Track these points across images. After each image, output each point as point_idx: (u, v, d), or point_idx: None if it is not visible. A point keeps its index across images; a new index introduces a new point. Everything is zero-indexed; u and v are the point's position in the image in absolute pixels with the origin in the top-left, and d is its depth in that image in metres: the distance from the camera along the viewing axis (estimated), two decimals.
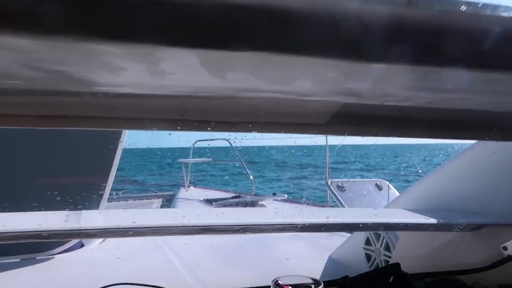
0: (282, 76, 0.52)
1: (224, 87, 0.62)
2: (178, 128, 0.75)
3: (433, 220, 1.05)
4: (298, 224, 0.91)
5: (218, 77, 0.51)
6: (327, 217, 0.93)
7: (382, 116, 0.71)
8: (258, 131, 0.71)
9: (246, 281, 1.53)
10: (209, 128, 0.76)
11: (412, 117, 0.71)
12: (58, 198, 1.74)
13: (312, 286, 0.82)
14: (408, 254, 1.38)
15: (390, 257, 1.53)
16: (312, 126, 0.71)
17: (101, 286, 1.17)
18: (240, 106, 0.67)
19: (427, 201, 1.47)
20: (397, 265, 1.09)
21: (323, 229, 0.92)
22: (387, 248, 1.58)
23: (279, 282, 0.83)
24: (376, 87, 0.53)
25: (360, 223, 1.00)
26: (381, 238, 1.62)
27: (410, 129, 0.75)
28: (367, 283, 1.08)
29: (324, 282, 1.15)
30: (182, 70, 0.44)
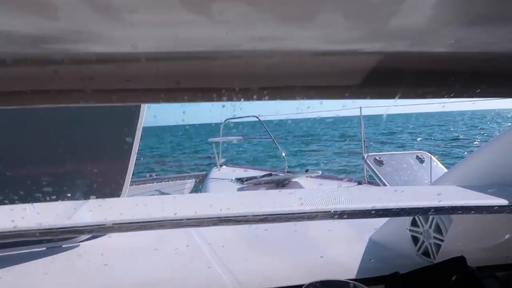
0: (302, 13, 0.41)
1: (229, 39, 0.50)
2: (172, 99, 0.60)
3: (503, 201, 0.85)
4: (339, 211, 0.75)
5: (219, 26, 0.42)
6: (374, 201, 0.76)
7: (430, 70, 0.60)
8: (275, 98, 0.61)
9: (277, 267, 1.40)
10: (214, 96, 0.60)
11: (469, 69, 0.54)
12: (75, 187, 1.66)
13: None
14: (467, 241, 1.17)
15: (442, 240, 1.33)
16: (341, 89, 0.61)
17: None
18: (251, 67, 0.57)
19: (487, 177, 1.25)
20: (461, 259, 0.90)
21: (370, 215, 0.76)
22: (438, 230, 1.38)
23: None
24: (428, 25, 0.43)
25: (416, 208, 0.82)
26: (430, 219, 1.42)
27: (464, 86, 0.58)
28: (423, 281, 0.90)
29: (368, 279, 1.00)
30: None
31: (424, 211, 0.84)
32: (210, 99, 0.64)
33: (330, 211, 0.75)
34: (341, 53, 0.59)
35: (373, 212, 0.75)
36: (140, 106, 1.72)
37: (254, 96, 0.62)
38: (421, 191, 1.19)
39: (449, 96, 0.57)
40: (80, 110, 1.68)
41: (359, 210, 0.76)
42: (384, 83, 0.62)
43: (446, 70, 0.56)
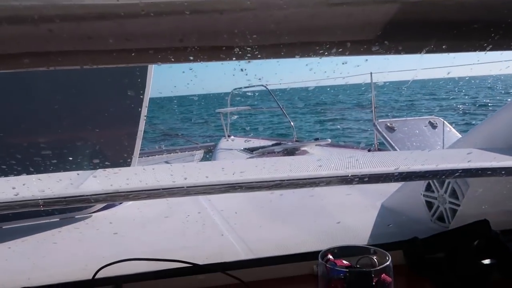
0: None
1: None
2: (176, 59, 0.56)
3: None
4: (359, 175, 0.72)
5: None
6: (396, 164, 0.73)
7: (459, 20, 0.54)
8: (287, 56, 0.57)
9: (290, 234, 1.39)
10: (221, 55, 0.56)
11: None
12: (83, 157, 1.65)
13: (374, 259, 0.63)
14: (487, 204, 1.13)
15: (458, 205, 1.30)
16: (359, 44, 0.57)
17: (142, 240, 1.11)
18: (262, 21, 0.52)
19: (506, 139, 1.20)
20: (484, 223, 0.86)
21: (393, 178, 0.73)
22: (454, 195, 1.35)
23: (330, 258, 0.64)
24: None
25: (443, 170, 0.78)
26: (446, 183, 1.39)
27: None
28: (444, 246, 0.88)
29: (385, 244, 0.98)
30: None
31: (451, 173, 0.80)
32: (216, 58, 0.59)
33: (348, 176, 0.72)
34: (358, 3, 0.54)
35: (396, 175, 0.72)
36: (146, 72, 1.67)
37: (265, 54, 0.58)
38: (441, 154, 1.14)
39: (484, 49, 0.52)
40: (85, 76, 1.64)
41: (381, 174, 0.72)
42: (407, 36, 0.57)
43: (481, 20, 0.51)
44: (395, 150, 3.08)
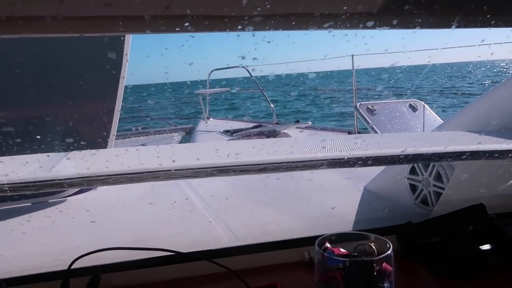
0: None
1: None
2: (160, 29, 0.49)
3: None
4: (349, 158, 0.68)
5: None
6: (396, 147, 0.69)
7: None
8: (285, 28, 0.52)
9: (272, 217, 1.36)
10: (211, 25, 0.50)
11: None
12: (56, 138, 1.55)
13: (373, 246, 0.60)
14: (476, 187, 1.12)
15: (443, 189, 1.29)
16: (355, 17, 0.52)
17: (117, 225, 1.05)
18: None
19: (494, 121, 1.19)
20: (480, 207, 0.85)
21: (398, 161, 0.69)
22: (438, 178, 1.34)
23: (327, 246, 0.60)
24: None
25: (432, 153, 0.75)
26: (430, 166, 1.38)
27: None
28: (439, 231, 0.86)
29: (378, 229, 0.95)
30: None
31: (459, 155, 0.77)
32: (206, 28, 0.53)
33: (344, 158, 0.68)
34: None
35: (402, 157, 0.68)
36: (123, 47, 1.57)
37: (272, 23, 0.52)
38: (451, 135, 1.12)
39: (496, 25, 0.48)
40: (57, 47, 1.53)
41: (386, 156, 0.69)
42: (426, 8, 0.51)
43: None
44: (376, 132, 3.09)
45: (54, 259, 0.81)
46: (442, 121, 2.94)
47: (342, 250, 0.62)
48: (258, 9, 0.46)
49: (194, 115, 7.76)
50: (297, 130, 4.61)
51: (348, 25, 0.54)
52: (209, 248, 0.87)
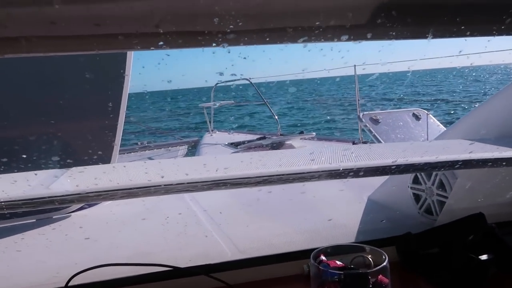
0: None
1: None
2: (151, 45, 0.51)
3: None
4: (342, 170, 0.68)
5: None
6: (391, 157, 0.69)
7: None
8: (270, 42, 0.53)
9: (279, 232, 1.35)
10: (200, 41, 0.51)
11: None
12: (63, 154, 1.56)
13: (369, 258, 0.59)
14: (478, 196, 1.11)
15: (446, 197, 1.28)
16: (344, 29, 0.52)
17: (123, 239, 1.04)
18: (243, 4, 0.49)
19: (493, 130, 1.18)
20: (479, 216, 0.84)
21: (390, 171, 0.69)
22: (441, 187, 1.33)
23: (323, 259, 0.60)
24: None
25: (434, 163, 0.74)
26: (433, 175, 1.37)
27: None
28: (438, 242, 0.84)
29: (377, 241, 0.94)
30: None
31: (451, 165, 0.77)
32: (194, 44, 0.54)
33: (340, 169, 0.68)
34: None
35: (394, 167, 0.68)
36: (125, 62, 1.59)
37: (246, 40, 0.53)
38: (442, 145, 1.11)
39: (492, 34, 0.48)
40: (61, 65, 1.55)
41: (377, 167, 0.69)
42: (400, 20, 0.52)
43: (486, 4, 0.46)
44: (380, 142, 3.08)
45: (52, 276, 0.81)
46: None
47: (338, 262, 0.62)
48: (231, 26, 0.47)
49: (198, 128, 7.80)
50: (301, 141, 4.60)
51: (322, 39, 0.54)
52: (207, 263, 0.86)
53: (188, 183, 0.64)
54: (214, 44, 0.53)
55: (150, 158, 6.05)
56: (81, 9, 0.48)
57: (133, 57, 1.66)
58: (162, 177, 0.66)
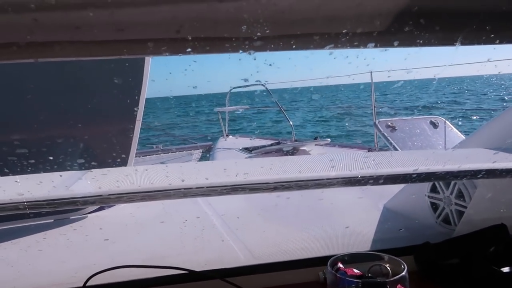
0: None
1: None
2: (172, 51, 0.51)
3: None
4: (362, 177, 0.67)
5: None
6: (411, 165, 0.68)
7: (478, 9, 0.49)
8: (290, 48, 0.53)
9: (290, 236, 1.35)
10: (220, 47, 0.51)
11: None
12: (78, 157, 1.59)
13: (387, 267, 0.58)
14: (498, 207, 1.08)
15: (465, 207, 1.25)
16: (371, 37, 0.52)
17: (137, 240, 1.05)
18: (263, 11, 0.49)
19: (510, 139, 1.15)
20: (501, 227, 0.82)
21: (411, 179, 0.68)
22: (460, 196, 1.30)
23: (340, 266, 0.59)
24: None
25: (446, 172, 0.73)
26: (451, 184, 1.34)
27: None
28: (458, 252, 0.83)
29: (395, 250, 0.93)
30: None
31: (474, 174, 0.75)
32: (215, 50, 0.55)
33: (357, 177, 0.67)
34: None
35: (414, 176, 0.67)
36: (143, 65, 1.62)
37: (267, 46, 0.53)
38: (465, 153, 1.09)
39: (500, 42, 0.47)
40: (81, 71, 1.59)
41: (398, 175, 0.68)
42: (420, 26, 0.52)
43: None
44: (397, 149, 3.04)
45: (70, 276, 0.82)
46: (464, 137, 2.88)
47: (355, 270, 0.61)
48: (258, 33, 0.47)
49: (213, 132, 7.84)
50: (316, 147, 4.58)
51: (348, 46, 0.54)
52: (222, 267, 0.86)
53: (207, 187, 0.65)
54: (240, 51, 0.53)
55: (162, 162, 6.10)
56: (105, 14, 0.49)
57: (151, 63, 1.70)
58: (183, 180, 0.67)
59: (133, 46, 0.55)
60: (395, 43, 0.49)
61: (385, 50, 0.49)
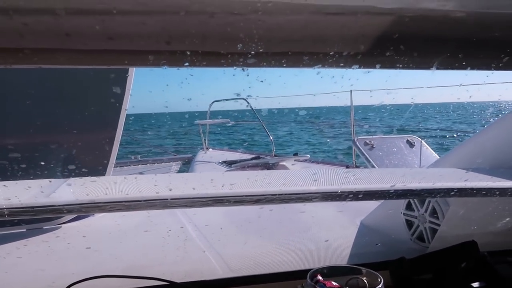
0: None
1: None
2: (161, 62, 0.52)
3: (509, 183, 0.81)
4: (354, 191, 0.69)
5: None
6: (389, 182, 0.71)
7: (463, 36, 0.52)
8: (276, 65, 0.55)
9: (266, 249, 1.35)
10: (204, 62, 0.53)
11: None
12: (56, 165, 1.56)
13: (364, 280, 0.60)
14: (470, 225, 1.13)
15: (438, 225, 1.30)
16: (356, 59, 0.55)
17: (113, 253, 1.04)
18: (252, 27, 0.50)
19: (491, 159, 1.21)
20: (472, 244, 0.85)
21: (388, 195, 0.71)
22: (434, 214, 1.35)
23: (319, 279, 0.61)
24: None
25: (439, 189, 0.76)
26: (426, 202, 1.38)
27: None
28: (431, 268, 0.86)
29: (370, 264, 0.95)
30: None
31: (447, 192, 0.79)
32: (203, 63, 0.56)
33: (337, 192, 0.69)
34: (353, 11, 0.52)
35: (392, 192, 0.70)
36: (126, 77, 1.62)
37: (253, 62, 0.55)
38: (438, 172, 1.14)
39: (491, 68, 0.50)
40: (62, 78, 1.57)
41: (376, 191, 0.70)
42: (400, 49, 0.55)
43: (491, 38, 0.49)
44: (374, 167, 3.11)
45: (48, 285, 0.80)
46: (439, 157, 2.97)
47: (334, 283, 0.62)
48: (252, 52, 0.49)
49: (193, 145, 7.80)
50: (296, 162, 4.62)
51: (334, 66, 0.57)
52: (202, 279, 0.86)
53: (194, 197, 0.65)
54: (225, 65, 0.55)
55: (141, 173, 6.01)
56: (95, 21, 0.49)
57: (149, 75, 1.70)
58: (170, 190, 0.67)
59: (123, 56, 0.55)
60: (377, 66, 0.52)
61: (368, 72, 0.52)
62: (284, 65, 0.54)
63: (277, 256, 1.22)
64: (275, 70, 0.55)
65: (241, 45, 0.53)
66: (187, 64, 0.56)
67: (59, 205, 0.64)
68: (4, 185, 0.77)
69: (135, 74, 1.67)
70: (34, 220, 1.80)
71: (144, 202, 0.64)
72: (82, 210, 0.68)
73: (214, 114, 6.28)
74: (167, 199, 0.65)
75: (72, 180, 0.81)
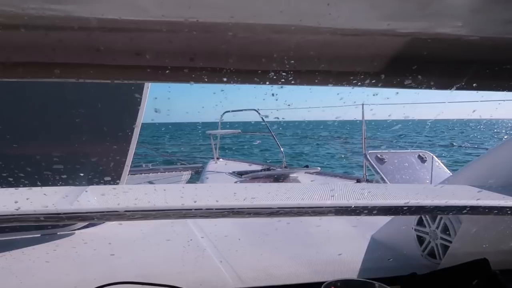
0: None
1: (246, 9, 0.46)
2: (184, 79, 0.55)
3: None
4: (356, 207, 0.70)
5: None
6: (401, 198, 0.72)
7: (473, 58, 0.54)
8: (293, 83, 0.57)
9: (280, 261, 1.36)
10: (225, 79, 0.55)
11: None
12: (75, 172, 1.60)
13: None
14: (482, 242, 1.12)
15: (450, 242, 1.29)
16: (361, 75, 0.56)
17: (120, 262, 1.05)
18: (272, 46, 0.52)
19: (499, 177, 1.21)
20: (484, 262, 0.85)
21: (401, 211, 0.72)
22: (445, 230, 1.34)
23: None
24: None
25: (434, 206, 0.77)
26: (438, 218, 1.38)
27: None
28: (443, 284, 0.86)
29: (383, 279, 0.95)
30: None
31: (460, 210, 0.79)
32: (224, 80, 0.58)
33: (351, 206, 0.71)
34: (370, 33, 0.54)
35: (405, 208, 0.71)
36: (142, 91, 1.66)
37: (271, 79, 0.57)
38: (452, 190, 1.14)
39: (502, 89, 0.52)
40: (81, 92, 1.62)
41: (390, 207, 0.71)
42: (411, 70, 0.57)
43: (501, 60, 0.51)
44: (385, 181, 3.10)
45: None
46: (451, 173, 2.95)
47: None
48: (266, 68, 0.51)
49: (204, 155, 7.83)
50: (306, 175, 4.61)
51: (359, 85, 0.59)
52: None
53: (216, 209, 0.67)
54: (239, 80, 0.57)
55: (151, 182, 6.05)
56: (125, 38, 0.52)
57: (150, 86, 1.75)
58: (195, 201, 0.69)
59: (148, 71, 0.58)
60: (396, 92, 0.54)
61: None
62: (316, 81, 0.56)
63: (290, 268, 1.23)
64: (301, 93, 0.57)
65: (258, 63, 0.55)
66: (206, 80, 0.58)
67: (83, 212, 0.67)
68: (33, 191, 0.80)
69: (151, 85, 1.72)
70: (48, 226, 1.84)
71: (167, 212, 0.67)
72: (104, 218, 0.70)
73: (230, 125, 6.32)
74: (191, 209, 0.67)
75: (92, 188, 0.84)
